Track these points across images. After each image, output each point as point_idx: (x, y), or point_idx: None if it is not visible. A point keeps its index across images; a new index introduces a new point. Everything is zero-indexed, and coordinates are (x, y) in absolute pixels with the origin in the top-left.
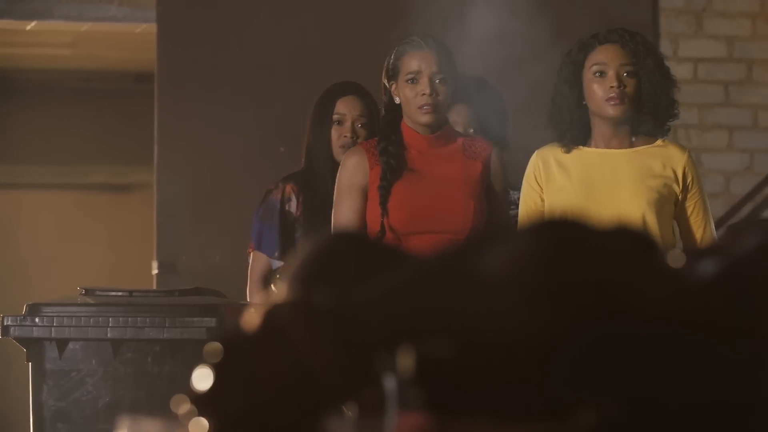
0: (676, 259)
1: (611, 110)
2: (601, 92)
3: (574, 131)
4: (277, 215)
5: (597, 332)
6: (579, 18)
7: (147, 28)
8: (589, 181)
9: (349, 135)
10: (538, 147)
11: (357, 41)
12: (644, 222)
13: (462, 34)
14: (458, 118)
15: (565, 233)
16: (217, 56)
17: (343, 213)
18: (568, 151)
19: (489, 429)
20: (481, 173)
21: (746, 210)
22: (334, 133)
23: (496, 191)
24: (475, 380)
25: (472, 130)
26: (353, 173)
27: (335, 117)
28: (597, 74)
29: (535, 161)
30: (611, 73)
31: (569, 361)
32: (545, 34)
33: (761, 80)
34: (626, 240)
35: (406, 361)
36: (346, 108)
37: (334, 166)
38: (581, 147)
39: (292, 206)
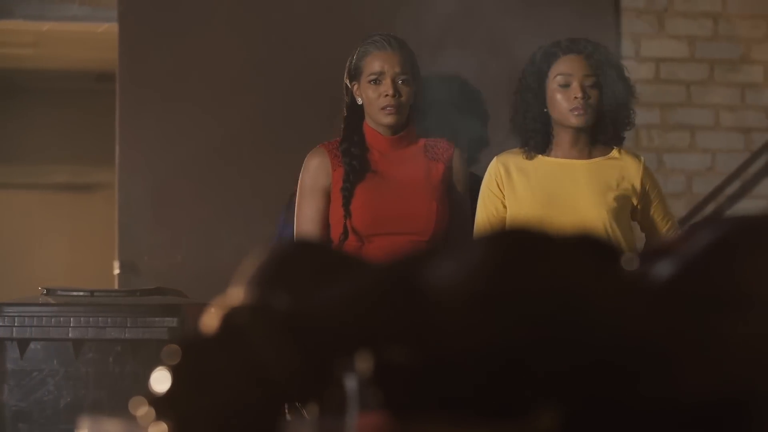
0: (629, 262)
1: (575, 120)
2: (565, 102)
3: (537, 138)
4: None
5: (554, 336)
6: (541, 19)
7: (108, 28)
8: (550, 190)
9: None
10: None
11: (316, 44)
12: (606, 230)
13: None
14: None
15: (521, 241)
16: (178, 56)
17: (306, 214)
18: (529, 158)
19: (447, 429)
20: (444, 174)
21: (708, 210)
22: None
23: (459, 192)
24: (433, 383)
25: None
26: (316, 174)
27: None
28: (561, 84)
29: (495, 166)
30: (575, 84)
31: (526, 364)
32: (506, 35)
33: (723, 80)
34: (585, 247)
35: (363, 363)
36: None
37: None
38: (541, 155)
39: None
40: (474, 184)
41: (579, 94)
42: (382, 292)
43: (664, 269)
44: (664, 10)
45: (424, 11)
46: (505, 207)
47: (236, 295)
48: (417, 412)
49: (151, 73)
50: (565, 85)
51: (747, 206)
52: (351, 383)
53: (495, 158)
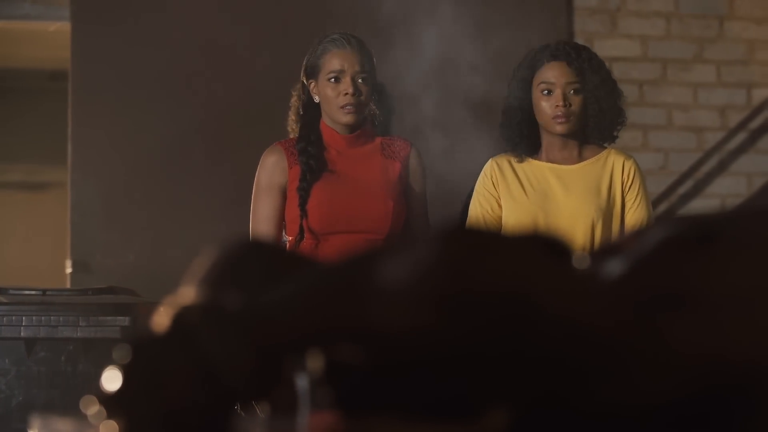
0: (580, 261)
1: (558, 128)
2: (548, 110)
3: (524, 144)
4: None
5: (504, 335)
6: (495, 18)
7: (61, 27)
8: (542, 193)
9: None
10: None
11: (267, 44)
12: (593, 231)
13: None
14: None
15: (471, 240)
16: (131, 55)
17: (262, 212)
18: (520, 161)
19: (398, 429)
20: (400, 173)
21: (662, 209)
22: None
23: (415, 191)
24: (383, 382)
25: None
26: (272, 172)
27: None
28: (544, 92)
29: (491, 166)
30: (558, 91)
31: (476, 363)
32: (462, 34)
33: (675, 80)
34: (535, 245)
35: (314, 362)
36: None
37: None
38: (531, 159)
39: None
40: None
41: (560, 102)
42: (332, 291)
43: (615, 268)
44: (617, 10)
45: (375, 11)
46: (500, 206)
47: (187, 294)
48: (367, 412)
49: (103, 73)
50: (549, 93)
51: (699, 205)
52: (302, 382)
53: (490, 159)
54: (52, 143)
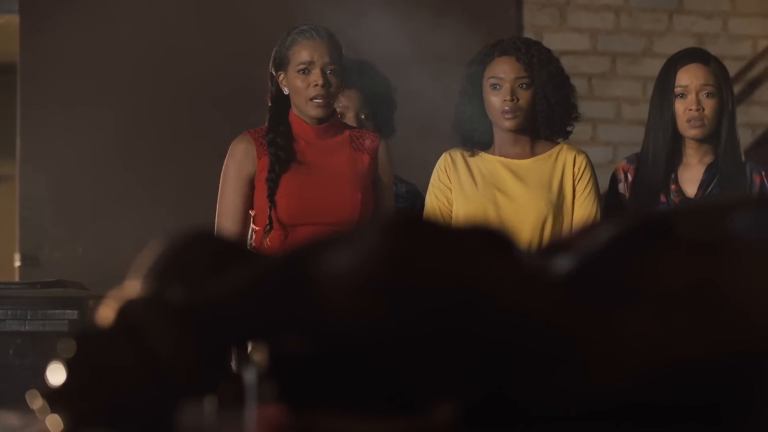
0: (526, 254)
1: (506, 123)
2: (497, 105)
3: (476, 139)
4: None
5: (451, 328)
6: (444, 13)
7: (9, 20)
8: (493, 187)
9: (694, 108)
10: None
11: (219, 36)
12: (544, 226)
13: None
14: (350, 103)
15: (414, 230)
16: (81, 48)
17: (230, 201)
18: (472, 155)
19: (344, 422)
20: (369, 165)
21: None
22: (679, 106)
23: (384, 183)
24: (329, 374)
25: (363, 116)
26: (241, 161)
27: (677, 90)
28: (493, 87)
29: (445, 159)
30: (506, 86)
31: (424, 356)
32: (411, 29)
33: (624, 73)
34: (483, 238)
35: (259, 355)
36: (688, 79)
37: (675, 142)
38: (484, 154)
39: (621, 188)
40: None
41: (508, 97)
42: (277, 282)
43: (566, 262)
44: (566, 3)
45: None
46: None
47: (132, 287)
48: (313, 405)
49: (52, 66)
50: (497, 87)
51: None
52: (248, 375)
53: (444, 153)
54: (0, 136)
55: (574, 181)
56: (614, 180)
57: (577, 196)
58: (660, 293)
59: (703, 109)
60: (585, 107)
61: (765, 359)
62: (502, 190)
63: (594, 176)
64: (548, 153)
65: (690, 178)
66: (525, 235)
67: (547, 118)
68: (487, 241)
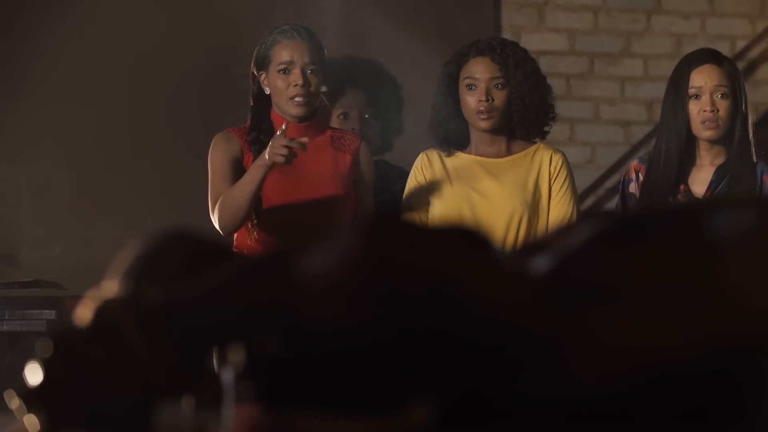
0: (503, 254)
1: (481, 123)
2: (472, 105)
3: (452, 139)
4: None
5: (428, 329)
6: (422, 12)
7: None
8: (469, 186)
9: (708, 109)
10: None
11: (197, 35)
12: (520, 225)
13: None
14: (354, 103)
15: (390, 230)
16: (58, 47)
17: (221, 177)
18: (449, 155)
19: (321, 422)
20: (351, 165)
21: (588, 203)
22: (693, 107)
23: (365, 183)
24: (306, 374)
25: (367, 116)
26: (228, 151)
27: (691, 91)
28: (469, 87)
29: (422, 159)
30: (481, 86)
31: (400, 356)
32: (390, 28)
33: (602, 74)
34: (459, 238)
35: (236, 355)
36: (702, 80)
37: (688, 143)
38: (461, 153)
39: (632, 187)
40: (388, 171)
41: (483, 97)
42: (255, 283)
43: (543, 262)
44: (545, 4)
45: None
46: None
47: (110, 287)
48: (290, 404)
49: (29, 65)
50: (473, 88)
51: None
52: (226, 375)
53: (422, 153)
54: None
55: (550, 180)
56: (625, 179)
57: (553, 195)
58: (636, 293)
59: (718, 110)
60: (563, 107)
61: (755, 354)
62: (478, 189)
63: (571, 175)
64: (525, 152)
65: (700, 179)
66: (500, 233)
67: (523, 118)
68: (463, 240)
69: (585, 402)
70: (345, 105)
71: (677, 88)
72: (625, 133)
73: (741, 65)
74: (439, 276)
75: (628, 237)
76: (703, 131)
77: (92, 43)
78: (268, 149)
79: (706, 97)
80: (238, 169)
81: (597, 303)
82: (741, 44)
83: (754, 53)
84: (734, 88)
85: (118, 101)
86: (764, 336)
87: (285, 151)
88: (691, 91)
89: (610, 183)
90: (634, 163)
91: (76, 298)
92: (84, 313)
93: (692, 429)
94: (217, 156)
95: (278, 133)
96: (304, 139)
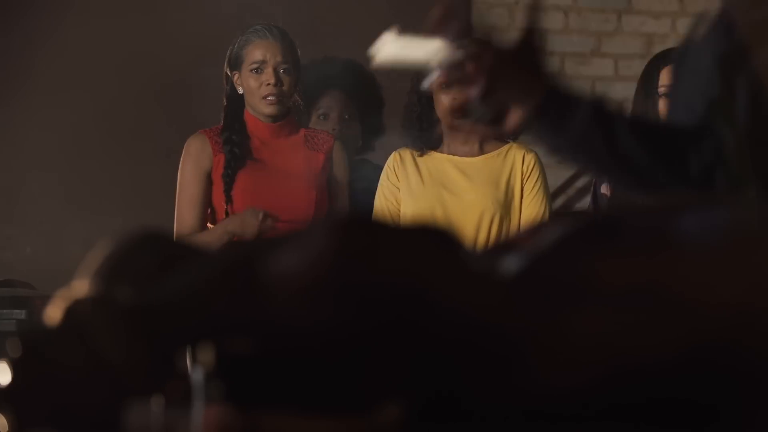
0: (472, 254)
1: (456, 123)
2: (446, 103)
3: (424, 138)
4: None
5: (397, 329)
6: (395, 13)
7: None
8: (441, 186)
9: None
10: None
11: (170, 35)
12: (492, 224)
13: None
14: (333, 103)
15: (359, 230)
16: (28, 49)
17: (189, 198)
18: (422, 155)
19: (291, 422)
20: (323, 165)
21: (559, 202)
22: (663, 105)
23: (338, 182)
24: (277, 375)
25: (347, 116)
26: (198, 159)
27: (661, 90)
28: (442, 86)
29: (394, 159)
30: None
31: (370, 356)
32: (362, 28)
33: (573, 74)
34: (430, 238)
35: (206, 355)
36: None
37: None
38: (434, 152)
39: (604, 187)
40: (370, 171)
41: (457, 96)
42: (224, 282)
43: (513, 262)
44: (516, 3)
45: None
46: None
47: (80, 287)
48: (260, 405)
49: (3, 63)
50: (446, 87)
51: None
52: (196, 375)
53: (394, 152)
54: None
55: (522, 179)
56: (597, 180)
57: (525, 194)
58: (607, 293)
59: None
60: None
61: (726, 353)
62: (450, 188)
63: (543, 175)
64: (497, 151)
65: None
66: (471, 233)
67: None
68: (433, 240)
69: (555, 402)
70: (324, 106)
71: (647, 87)
72: None
73: None
74: (409, 276)
75: (598, 237)
76: None
77: (61, 44)
78: (241, 221)
79: None
80: (207, 179)
81: (568, 303)
82: None
83: None
84: None
85: (88, 101)
86: (734, 334)
87: (255, 230)
88: (661, 89)
89: (580, 183)
90: None
91: (46, 298)
92: (54, 313)
93: (666, 427)
94: (188, 171)
95: (255, 212)
96: (272, 221)
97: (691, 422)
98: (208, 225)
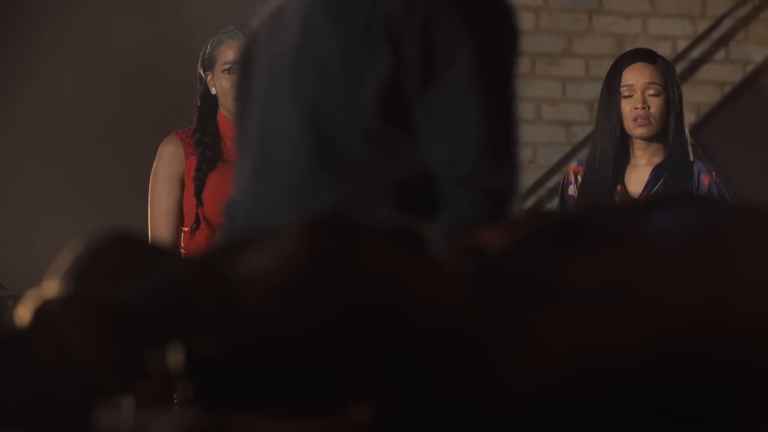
0: (444, 256)
1: None
2: None
3: None
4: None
5: (366, 329)
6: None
7: None
8: None
9: (640, 106)
10: None
11: (149, 37)
12: None
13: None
14: None
15: (333, 230)
16: (14, 46)
17: (162, 203)
18: None
19: (260, 423)
20: None
21: (530, 203)
22: (626, 105)
23: None
24: (247, 376)
25: None
26: (170, 163)
27: (623, 90)
28: None
29: None
30: None
31: (342, 356)
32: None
33: (544, 74)
34: (399, 239)
35: (176, 355)
36: (633, 78)
37: (623, 142)
38: None
39: (571, 189)
40: None
41: None
42: (195, 282)
43: (484, 261)
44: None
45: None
46: None
47: (51, 287)
48: (230, 406)
49: None
50: None
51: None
52: (166, 376)
53: None
54: None
55: None
56: (565, 182)
57: None
58: (576, 293)
59: (649, 108)
60: None
61: (695, 351)
62: None
63: None
64: None
65: (636, 179)
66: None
67: None
68: (404, 240)
69: (526, 401)
70: None
71: (610, 88)
72: (566, 133)
73: (682, 65)
74: (378, 277)
75: (567, 237)
76: (635, 129)
77: (34, 42)
78: None
79: (637, 95)
80: (180, 185)
81: (537, 303)
82: (683, 44)
83: (695, 54)
84: (667, 86)
85: (60, 100)
86: (704, 335)
87: None
88: (623, 89)
89: (551, 183)
90: (573, 165)
91: (16, 298)
92: (24, 313)
93: (639, 426)
94: (161, 182)
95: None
96: None
97: (667, 424)
98: (182, 227)
